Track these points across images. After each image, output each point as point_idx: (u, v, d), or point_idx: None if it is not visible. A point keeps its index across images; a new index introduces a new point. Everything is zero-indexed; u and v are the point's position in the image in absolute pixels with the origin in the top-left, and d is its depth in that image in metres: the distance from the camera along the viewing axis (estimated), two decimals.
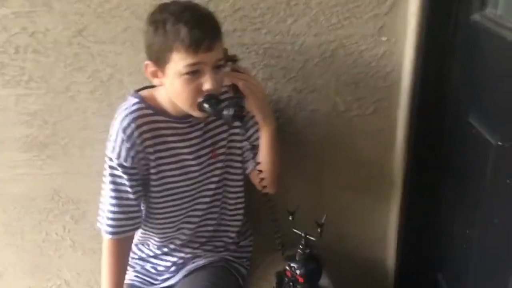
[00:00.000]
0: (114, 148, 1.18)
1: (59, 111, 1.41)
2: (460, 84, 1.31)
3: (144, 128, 1.18)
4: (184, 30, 1.04)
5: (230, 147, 1.32)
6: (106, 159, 1.21)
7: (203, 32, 1.05)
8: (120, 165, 1.19)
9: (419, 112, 1.42)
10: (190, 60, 1.07)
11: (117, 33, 1.34)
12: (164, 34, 1.07)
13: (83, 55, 1.35)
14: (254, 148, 1.30)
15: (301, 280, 1.21)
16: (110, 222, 1.22)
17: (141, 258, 1.39)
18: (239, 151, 1.34)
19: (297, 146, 1.50)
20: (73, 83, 1.38)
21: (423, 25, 1.32)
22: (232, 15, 1.33)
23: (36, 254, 1.59)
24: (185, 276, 1.34)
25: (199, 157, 1.27)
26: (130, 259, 1.33)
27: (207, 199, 1.33)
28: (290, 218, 1.19)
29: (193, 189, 1.29)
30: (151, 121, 1.20)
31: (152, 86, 1.23)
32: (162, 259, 1.37)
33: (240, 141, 1.33)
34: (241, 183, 1.37)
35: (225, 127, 1.30)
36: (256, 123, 1.28)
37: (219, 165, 1.31)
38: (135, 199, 1.22)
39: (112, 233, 1.23)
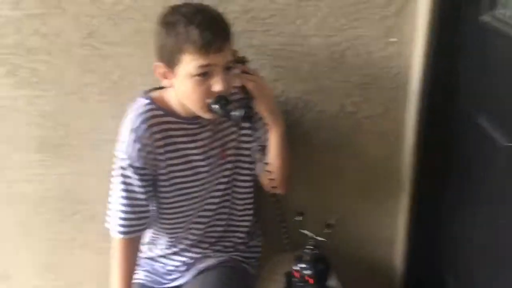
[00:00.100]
0: (124, 148, 1.19)
1: (70, 112, 1.43)
2: (469, 85, 1.31)
3: (154, 128, 1.20)
4: (195, 32, 1.05)
5: (239, 148, 1.33)
6: (117, 159, 1.22)
7: (213, 34, 1.06)
8: (131, 166, 1.20)
9: (428, 113, 1.42)
10: (200, 61, 1.08)
11: (128, 35, 1.35)
12: (176, 36, 1.08)
13: (94, 56, 1.37)
14: (263, 149, 1.30)
15: (309, 280, 1.21)
16: (120, 222, 1.23)
17: (150, 258, 1.40)
18: (248, 152, 1.34)
19: (305, 147, 1.50)
20: (84, 84, 1.40)
21: (432, 26, 1.32)
22: (241, 16, 1.34)
23: (47, 253, 1.61)
24: (194, 276, 1.34)
25: (209, 157, 1.28)
26: (139, 258, 1.34)
27: (216, 200, 1.33)
28: (299, 218, 1.20)
29: (203, 189, 1.30)
30: (161, 122, 1.21)
31: (162, 87, 1.25)
32: (171, 259, 1.38)
33: (249, 142, 1.33)
34: (250, 183, 1.37)
35: (234, 128, 1.31)
36: (265, 124, 1.29)
37: (228, 166, 1.32)
38: (145, 199, 1.23)
39: (122, 233, 1.24)
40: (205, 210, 1.33)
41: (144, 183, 1.22)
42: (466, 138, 1.34)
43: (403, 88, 1.44)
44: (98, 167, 1.49)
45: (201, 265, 1.35)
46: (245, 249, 1.43)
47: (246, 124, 1.26)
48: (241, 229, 1.40)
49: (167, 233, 1.33)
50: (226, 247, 1.40)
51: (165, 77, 1.16)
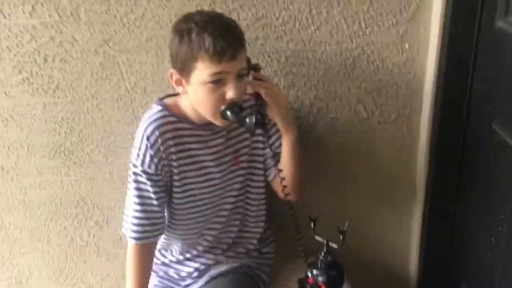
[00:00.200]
0: (138, 155, 1.20)
1: (85, 118, 1.44)
2: (483, 91, 1.30)
3: (168, 135, 1.20)
4: (209, 39, 1.06)
5: (252, 155, 1.34)
6: (131, 165, 1.23)
7: (227, 41, 1.07)
8: (144, 172, 1.21)
9: (442, 119, 1.41)
10: (214, 69, 1.08)
11: (142, 42, 1.36)
12: (189, 43, 1.09)
13: (108, 64, 1.38)
14: (276, 156, 1.30)
15: (323, 287, 1.21)
16: (134, 228, 1.24)
17: (164, 264, 1.40)
18: (261, 159, 1.35)
19: (318, 154, 1.50)
20: (98, 91, 1.41)
21: (446, 32, 1.31)
22: (254, 23, 1.35)
23: (61, 259, 1.61)
24: (207, 282, 1.35)
25: (221, 164, 1.29)
26: (153, 264, 1.35)
27: (229, 206, 1.34)
28: (312, 225, 1.20)
29: (215, 195, 1.30)
30: (174, 129, 1.22)
31: (176, 94, 1.26)
32: (184, 265, 1.38)
33: (262, 149, 1.34)
34: (263, 190, 1.38)
35: (247, 135, 1.31)
36: (278, 130, 1.29)
37: (241, 172, 1.33)
38: (159, 205, 1.24)
39: (136, 239, 1.24)
40: (218, 216, 1.33)
41: (157, 189, 1.23)
42: (480, 144, 1.33)
43: (417, 94, 1.44)
44: (112, 173, 1.50)
45: (214, 271, 1.36)
46: (258, 256, 1.43)
47: (259, 131, 1.26)
48: (254, 235, 1.41)
49: (180, 239, 1.34)
50: (239, 253, 1.40)
51: (179, 84, 1.17)
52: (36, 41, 1.35)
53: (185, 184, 1.26)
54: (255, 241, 1.41)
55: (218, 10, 1.29)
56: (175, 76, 1.16)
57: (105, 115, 1.44)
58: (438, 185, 1.49)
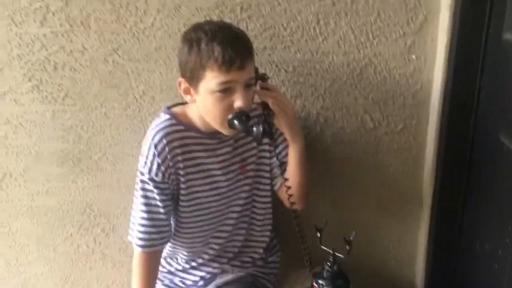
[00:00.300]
0: (145, 163, 1.21)
1: (93, 126, 1.45)
2: (490, 102, 1.30)
3: (175, 143, 1.21)
4: (218, 49, 1.07)
5: (259, 164, 1.34)
6: (138, 173, 1.24)
7: (236, 51, 1.08)
8: (151, 180, 1.21)
9: (449, 130, 1.41)
10: (222, 78, 1.09)
11: (151, 52, 1.38)
12: (198, 52, 1.10)
13: (117, 72, 1.40)
14: (283, 165, 1.30)
15: None
16: (141, 236, 1.24)
17: (169, 272, 1.40)
18: (267, 168, 1.35)
19: (325, 163, 1.50)
20: (107, 99, 1.42)
21: (453, 44, 1.32)
22: (262, 33, 1.36)
23: (67, 266, 1.62)
24: None
25: (228, 173, 1.29)
26: (159, 272, 1.35)
27: (235, 215, 1.34)
28: (318, 234, 1.20)
29: (222, 204, 1.31)
30: (181, 137, 1.22)
31: (184, 103, 1.26)
32: (190, 273, 1.38)
33: (269, 158, 1.34)
34: (269, 199, 1.38)
35: (254, 144, 1.31)
36: (285, 140, 1.29)
37: (247, 181, 1.33)
38: (165, 213, 1.24)
39: (143, 246, 1.25)
40: (224, 225, 1.34)
41: (164, 198, 1.23)
42: (487, 155, 1.33)
43: (424, 105, 1.44)
44: (119, 181, 1.51)
45: (220, 280, 1.36)
46: (263, 265, 1.43)
47: (266, 140, 1.27)
48: (259, 244, 1.40)
49: (186, 248, 1.34)
50: (244, 262, 1.40)
51: (187, 93, 1.18)
52: (47, 50, 1.37)
53: (192, 193, 1.26)
54: (261, 250, 1.41)
55: (227, 20, 1.31)
56: (184, 84, 1.17)
57: (113, 123, 1.45)
58: (445, 196, 1.49)
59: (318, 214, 1.45)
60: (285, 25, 1.36)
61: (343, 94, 1.43)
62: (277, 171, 1.34)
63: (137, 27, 1.35)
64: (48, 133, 1.46)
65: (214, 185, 1.28)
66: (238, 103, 1.12)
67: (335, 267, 1.21)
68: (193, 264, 1.38)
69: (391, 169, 1.52)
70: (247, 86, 1.14)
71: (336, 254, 1.20)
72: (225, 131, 1.19)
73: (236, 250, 1.39)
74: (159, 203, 1.23)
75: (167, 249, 1.36)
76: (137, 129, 1.45)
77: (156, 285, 1.34)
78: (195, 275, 1.38)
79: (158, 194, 1.22)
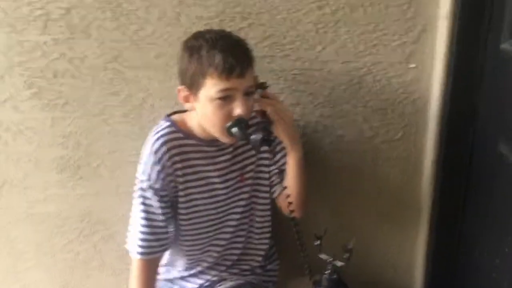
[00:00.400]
0: (144, 170, 1.21)
1: (93, 133, 1.45)
2: (489, 112, 1.31)
3: (174, 151, 1.21)
4: (219, 56, 1.08)
5: (258, 172, 1.34)
6: (137, 181, 1.24)
7: (236, 59, 1.09)
8: (150, 187, 1.21)
9: (447, 138, 1.42)
10: (222, 85, 1.10)
11: (151, 59, 1.38)
12: (199, 60, 1.10)
13: (117, 80, 1.40)
14: (282, 173, 1.31)
15: None
16: (140, 243, 1.24)
17: (168, 280, 1.40)
18: (266, 176, 1.35)
19: (323, 171, 1.51)
20: (107, 106, 1.43)
21: (452, 53, 1.33)
22: (262, 42, 1.37)
23: (66, 273, 1.61)
24: None
25: (227, 180, 1.29)
26: (157, 280, 1.34)
27: (234, 222, 1.34)
28: (318, 242, 1.19)
29: (221, 212, 1.31)
30: (181, 145, 1.23)
31: (183, 111, 1.27)
32: (189, 281, 1.38)
33: (268, 166, 1.34)
34: (268, 207, 1.38)
35: (253, 152, 1.32)
36: (284, 148, 1.30)
37: (246, 189, 1.33)
38: (164, 221, 1.24)
39: (141, 254, 1.25)
40: (223, 232, 1.34)
41: (163, 205, 1.23)
42: (486, 163, 1.33)
43: (422, 113, 1.45)
44: (118, 188, 1.51)
45: None
46: (262, 273, 1.43)
47: (265, 148, 1.27)
48: (258, 252, 1.40)
49: (185, 255, 1.34)
50: (243, 270, 1.40)
51: (187, 100, 1.19)
52: (47, 57, 1.38)
53: (191, 200, 1.26)
54: (259, 258, 1.41)
55: (227, 28, 1.31)
56: (183, 92, 1.18)
57: (113, 131, 1.45)
58: (444, 204, 1.49)
59: (317, 222, 1.45)
60: (284, 33, 1.37)
61: (342, 102, 1.44)
62: (276, 179, 1.34)
63: (138, 35, 1.36)
64: (47, 140, 1.46)
65: (213, 193, 1.28)
66: (237, 110, 1.13)
67: (334, 275, 1.21)
68: (192, 272, 1.37)
69: (390, 177, 1.52)
70: (247, 94, 1.15)
71: (335, 262, 1.20)
72: (224, 138, 1.19)
73: (235, 258, 1.39)
74: (158, 211, 1.23)
75: (166, 256, 1.36)
76: (136, 137, 1.45)
77: None
78: (193, 283, 1.37)
79: (157, 201, 1.22)
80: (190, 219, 1.28)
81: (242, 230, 1.37)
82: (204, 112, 1.16)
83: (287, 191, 1.23)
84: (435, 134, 1.43)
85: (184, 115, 1.26)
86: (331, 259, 1.20)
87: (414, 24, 1.36)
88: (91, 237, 1.57)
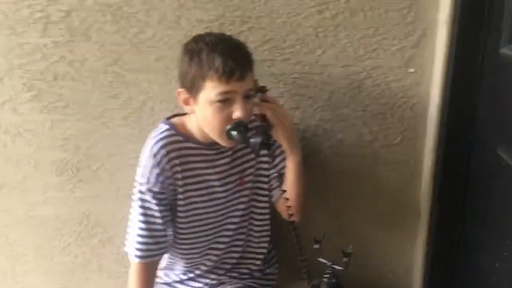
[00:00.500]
0: (143, 173, 1.21)
1: (92, 136, 1.46)
2: (488, 116, 1.31)
3: (173, 154, 1.21)
4: (219, 59, 1.08)
5: (257, 175, 1.34)
6: (136, 184, 1.24)
7: (236, 62, 1.09)
8: (149, 190, 1.21)
9: (446, 143, 1.42)
10: (222, 88, 1.10)
11: (151, 62, 1.39)
12: (199, 63, 1.11)
13: (117, 83, 1.40)
14: (281, 177, 1.31)
15: None
16: (138, 246, 1.24)
17: (166, 283, 1.39)
18: (266, 179, 1.35)
19: (323, 175, 1.51)
20: (106, 109, 1.43)
21: (451, 57, 1.33)
22: (262, 46, 1.38)
23: (64, 276, 1.61)
24: None
25: (227, 184, 1.29)
26: (156, 284, 1.34)
27: (233, 226, 1.34)
28: (317, 246, 1.19)
29: (220, 215, 1.30)
30: (180, 148, 1.23)
31: (183, 114, 1.27)
32: (187, 285, 1.37)
33: (267, 170, 1.34)
34: (267, 210, 1.38)
35: (252, 156, 1.32)
36: (283, 152, 1.30)
37: (245, 192, 1.33)
38: (163, 224, 1.24)
39: (140, 257, 1.24)
40: (222, 236, 1.33)
41: (162, 208, 1.23)
42: (485, 168, 1.33)
43: (421, 117, 1.45)
44: (117, 191, 1.51)
45: None
46: (261, 277, 1.43)
47: (264, 152, 1.27)
48: (257, 256, 1.40)
49: (183, 259, 1.34)
50: (242, 274, 1.40)
51: (187, 103, 1.19)
52: (47, 60, 1.38)
53: (190, 203, 1.26)
54: (258, 262, 1.41)
55: (227, 32, 1.31)
56: (183, 95, 1.18)
57: (112, 133, 1.46)
58: (443, 209, 1.49)
59: (316, 225, 1.45)
60: (284, 37, 1.37)
61: (342, 106, 1.44)
62: (275, 182, 1.34)
63: (138, 38, 1.36)
64: (47, 142, 1.46)
65: (212, 196, 1.28)
66: (237, 113, 1.13)
67: (333, 280, 1.21)
68: (191, 275, 1.37)
69: (389, 181, 1.52)
70: (247, 97, 1.15)
71: (334, 266, 1.20)
72: (223, 142, 1.19)
73: (234, 261, 1.38)
74: (156, 214, 1.23)
75: (164, 260, 1.36)
76: (136, 139, 1.45)
77: None
78: (192, 287, 1.37)
79: (156, 204, 1.22)
80: (189, 222, 1.28)
81: (241, 233, 1.37)
82: (203, 115, 1.17)
83: (286, 195, 1.23)
84: (434, 138, 1.44)
85: (183, 118, 1.26)
86: (330, 263, 1.20)
87: (414, 29, 1.37)
88: (90, 240, 1.57)
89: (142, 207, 1.23)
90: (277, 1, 1.34)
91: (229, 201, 1.31)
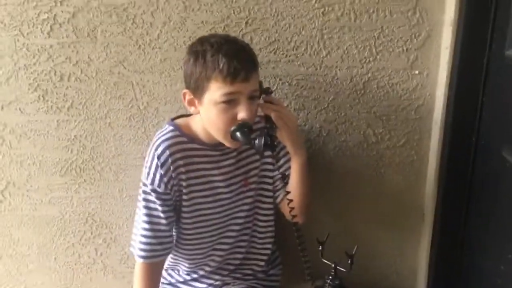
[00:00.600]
0: (148, 174, 1.21)
1: (97, 136, 1.46)
2: (493, 118, 1.31)
3: (178, 155, 1.22)
4: (223, 60, 1.09)
5: (261, 176, 1.34)
6: (141, 184, 1.24)
7: (241, 63, 1.09)
8: (154, 191, 1.22)
9: (451, 145, 1.42)
10: (227, 89, 1.10)
11: (156, 64, 1.39)
12: (204, 64, 1.11)
13: (122, 83, 1.41)
14: (285, 178, 1.31)
15: None
16: (142, 246, 1.24)
17: (170, 284, 1.40)
18: (270, 181, 1.35)
19: (327, 177, 1.51)
20: (111, 110, 1.44)
21: (456, 60, 1.33)
22: (267, 47, 1.38)
23: (68, 276, 1.62)
24: None
25: (231, 185, 1.29)
26: (160, 284, 1.34)
27: (237, 227, 1.34)
28: (320, 248, 1.19)
29: (224, 216, 1.31)
30: (185, 149, 1.23)
31: (188, 115, 1.27)
32: (191, 285, 1.38)
33: (272, 171, 1.34)
34: (271, 211, 1.38)
35: (257, 157, 1.32)
36: (288, 153, 1.30)
37: (250, 193, 1.33)
38: (167, 225, 1.24)
39: (144, 257, 1.25)
40: (226, 237, 1.34)
41: (166, 209, 1.23)
42: (489, 170, 1.33)
43: (426, 119, 1.45)
44: (122, 191, 1.52)
45: None
46: (264, 278, 1.43)
47: (268, 153, 1.27)
48: (261, 257, 1.40)
49: (187, 259, 1.34)
50: (245, 275, 1.40)
51: (192, 104, 1.19)
52: (53, 60, 1.39)
53: (194, 204, 1.27)
54: (262, 263, 1.41)
55: (232, 33, 1.32)
56: (188, 96, 1.18)
57: (117, 134, 1.46)
58: (447, 210, 1.48)
59: (320, 227, 1.45)
60: (289, 39, 1.38)
61: (346, 108, 1.44)
62: (279, 184, 1.35)
63: (143, 40, 1.37)
64: (52, 142, 1.47)
65: (217, 197, 1.28)
66: (241, 114, 1.13)
67: (337, 281, 1.21)
68: (194, 276, 1.37)
69: (393, 183, 1.52)
70: (251, 98, 1.15)
71: (338, 267, 1.20)
72: (228, 143, 1.20)
73: (238, 262, 1.39)
74: (161, 214, 1.23)
75: (169, 260, 1.36)
76: (140, 140, 1.46)
77: None
78: (196, 287, 1.37)
79: (160, 205, 1.22)
80: (193, 223, 1.28)
81: (245, 234, 1.37)
82: (208, 116, 1.17)
83: (290, 196, 1.23)
84: (438, 140, 1.43)
85: (188, 119, 1.27)
86: (333, 265, 1.20)
87: (419, 31, 1.37)
88: (94, 240, 1.58)
89: (147, 207, 1.23)
90: (282, 3, 1.34)
91: (233, 202, 1.31)
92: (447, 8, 1.34)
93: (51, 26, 1.35)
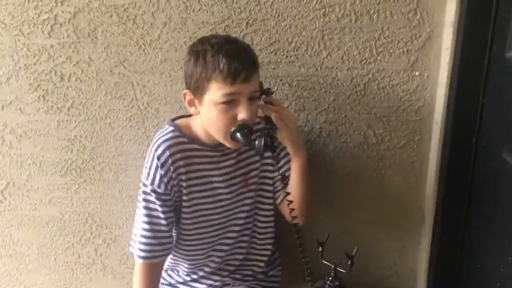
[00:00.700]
0: (148, 174, 1.21)
1: (97, 137, 1.46)
2: (493, 120, 1.31)
3: (178, 155, 1.22)
4: (224, 61, 1.09)
5: (261, 177, 1.34)
6: (141, 184, 1.24)
7: (241, 64, 1.09)
8: (154, 191, 1.22)
9: (451, 146, 1.42)
10: (227, 90, 1.10)
11: (156, 64, 1.39)
12: (204, 64, 1.11)
13: (123, 84, 1.41)
14: (285, 179, 1.31)
15: None
16: (142, 247, 1.24)
17: (170, 284, 1.40)
18: (270, 181, 1.35)
19: (327, 178, 1.51)
20: (112, 110, 1.44)
21: (457, 61, 1.33)
22: (267, 48, 1.38)
23: (67, 276, 1.62)
24: None
25: (231, 185, 1.29)
26: (160, 284, 1.34)
27: (237, 228, 1.34)
28: (320, 249, 1.20)
29: (224, 217, 1.31)
30: (185, 149, 1.23)
31: (188, 116, 1.27)
32: (191, 286, 1.38)
33: (272, 172, 1.34)
34: (271, 212, 1.38)
35: (257, 158, 1.32)
36: (288, 154, 1.30)
37: (250, 194, 1.33)
38: (167, 225, 1.24)
39: (144, 258, 1.24)
40: (226, 238, 1.34)
41: (166, 209, 1.23)
42: (489, 171, 1.33)
43: (426, 121, 1.45)
44: (122, 192, 1.52)
45: None
46: (264, 279, 1.43)
47: (268, 154, 1.27)
48: (261, 258, 1.40)
49: (187, 260, 1.34)
50: (245, 276, 1.40)
51: (192, 105, 1.19)
52: (53, 61, 1.39)
53: (194, 205, 1.27)
54: (262, 264, 1.41)
55: (233, 34, 1.32)
56: (188, 96, 1.18)
57: (117, 134, 1.46)
58: (447, 212, 1.48)
59: (320, 228, 1.45)
60: (289, 40, 1.38)
61: (347, 109, 1.44)
62: (279, 185, 1.35)
63: (144, 40, 1.37)
64: (52, 143, 1.47)
65: (217, 198, 1.28)
66: (241, 115, 1.13)
67: (337, 282, 1.21)
68: (194, 276, 1.37)
69: (393, 184, 1.52)
70: (251, 99, 1.15)
71: (338, 268, 1.20)
72: (228, 143, 1.20)
73: (237, 263, 1.39)
74: (161, 215, 1.23)
75: (169, 261, 1.36)
76: (140, 141, 1.46)
77: None
78: None
79: (160, 205, 1.22)
80: (193, 223, 1.28)
81: (245, 235, 1.37)
82: (208, 117, 1.17)
83: (290, 197, 1.23)
84: (438, 141, 1.43)
85: (188, 120, 1.27)
86: (333, 266, 1.20)
87: (420, 32, 1.37)
88: (93, 240, 1.58)
89: (147, 208, 1.23)
90: (282, 4, 1.34)
91: (233, 202, 1.31)
92: (448, 9, 1.34)
93: (51, 26, 1.36)
